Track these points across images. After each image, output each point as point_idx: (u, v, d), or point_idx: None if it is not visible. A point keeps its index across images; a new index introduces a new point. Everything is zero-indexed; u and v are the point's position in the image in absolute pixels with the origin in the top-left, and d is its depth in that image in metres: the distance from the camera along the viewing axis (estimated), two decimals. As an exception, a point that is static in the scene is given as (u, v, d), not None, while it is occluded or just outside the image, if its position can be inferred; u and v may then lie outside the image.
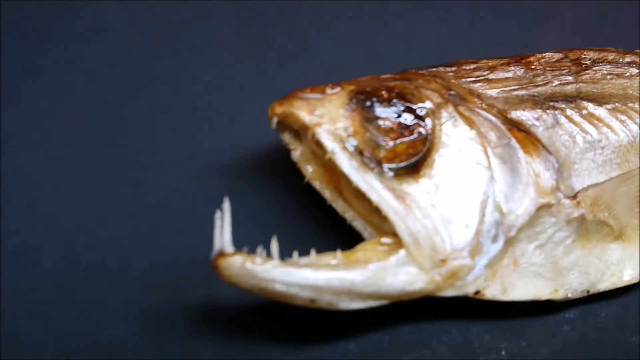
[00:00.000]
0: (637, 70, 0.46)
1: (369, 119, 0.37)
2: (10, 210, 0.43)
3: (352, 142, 0.36)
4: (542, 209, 0.38)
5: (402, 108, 0.38)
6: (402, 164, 0.37)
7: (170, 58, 0.54)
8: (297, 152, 0.39)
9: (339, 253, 0.35)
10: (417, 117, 0.38)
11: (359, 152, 0.36)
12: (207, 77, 0.52)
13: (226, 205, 0.34)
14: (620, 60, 0.46)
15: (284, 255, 0.34)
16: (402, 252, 0.35)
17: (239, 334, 0.38)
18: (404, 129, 0.37)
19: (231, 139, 0.45)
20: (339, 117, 0.36)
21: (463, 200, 0.37)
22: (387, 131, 0.37)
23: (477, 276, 0.37)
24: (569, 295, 0.39)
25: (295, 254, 0.34)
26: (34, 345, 0.37)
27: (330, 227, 0.40)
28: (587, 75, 0.45)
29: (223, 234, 0.33)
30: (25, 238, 0.42)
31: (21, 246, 0.41)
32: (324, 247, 0.36)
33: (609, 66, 0.46)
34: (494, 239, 0.37)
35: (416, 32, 0.56)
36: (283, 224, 0.41)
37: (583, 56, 0.46)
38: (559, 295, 0.39)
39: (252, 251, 0.33)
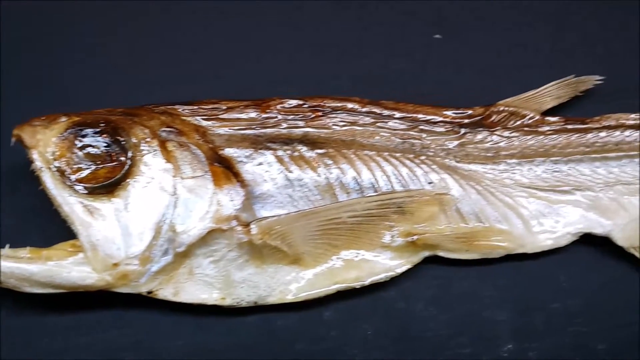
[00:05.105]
0: (372, 120, 0.53)
1: (80, 146, 0.47)
2: None
3: (55, 164, 0.46)
4: (216, 232, 0.47)
5: (110, 139, 0.47)
6: (99, 185, 0.46)
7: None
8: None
9: (28, 249, 0.45)
10: (121, 148, 0.47)
11: (61, 172, 0.46)
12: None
13: None
14: (359, 109, 0.53)
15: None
16: (80, 255, 0.45)
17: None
18: (108, 156, 0.47)
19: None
20: (50, 143, 0.46)
21: (144, 218, 0.46)
22: (94, 157, 0.47)
23: (148, 280, 0.46)
24: (236, 303, 0.48)
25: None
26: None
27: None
28: (320, 122, 0.52)
29: None
30: None
31: None
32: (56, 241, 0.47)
33: (345, 114, 0.53)
34: (165, 253, 0.46)
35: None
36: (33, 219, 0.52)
37: (322, 104, 0.52)
38: (227, 302, 0.48)
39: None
